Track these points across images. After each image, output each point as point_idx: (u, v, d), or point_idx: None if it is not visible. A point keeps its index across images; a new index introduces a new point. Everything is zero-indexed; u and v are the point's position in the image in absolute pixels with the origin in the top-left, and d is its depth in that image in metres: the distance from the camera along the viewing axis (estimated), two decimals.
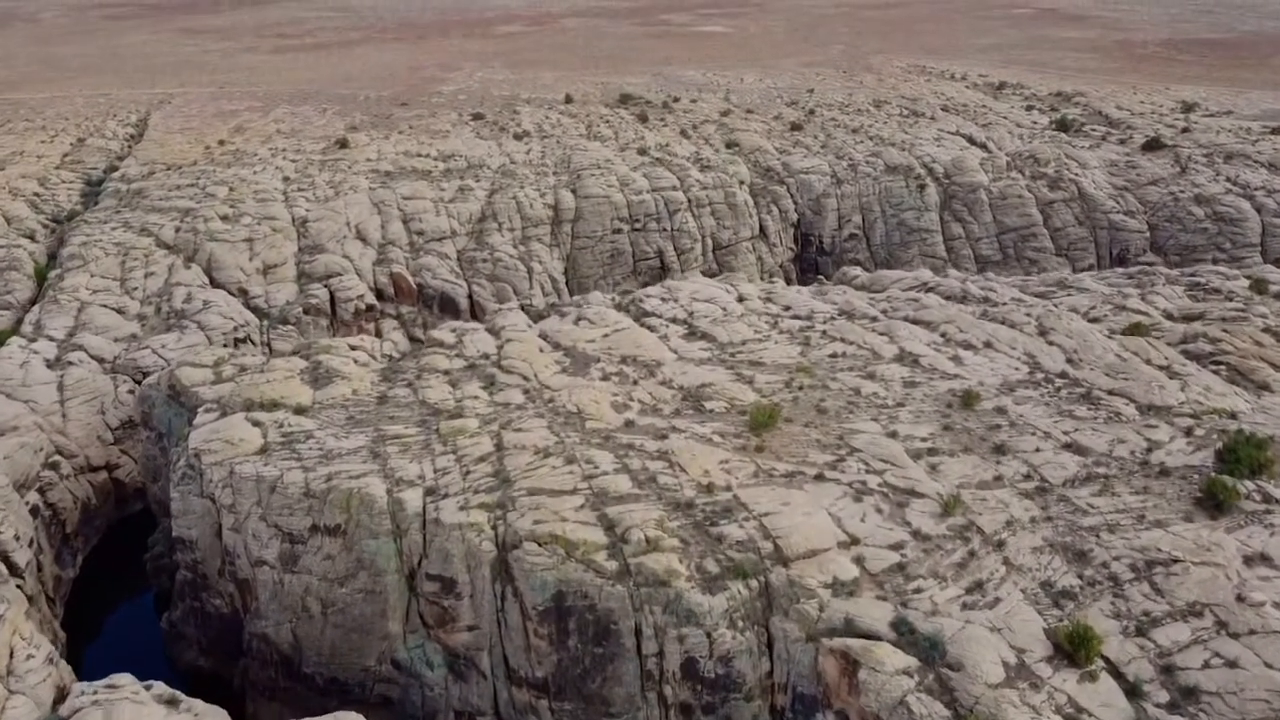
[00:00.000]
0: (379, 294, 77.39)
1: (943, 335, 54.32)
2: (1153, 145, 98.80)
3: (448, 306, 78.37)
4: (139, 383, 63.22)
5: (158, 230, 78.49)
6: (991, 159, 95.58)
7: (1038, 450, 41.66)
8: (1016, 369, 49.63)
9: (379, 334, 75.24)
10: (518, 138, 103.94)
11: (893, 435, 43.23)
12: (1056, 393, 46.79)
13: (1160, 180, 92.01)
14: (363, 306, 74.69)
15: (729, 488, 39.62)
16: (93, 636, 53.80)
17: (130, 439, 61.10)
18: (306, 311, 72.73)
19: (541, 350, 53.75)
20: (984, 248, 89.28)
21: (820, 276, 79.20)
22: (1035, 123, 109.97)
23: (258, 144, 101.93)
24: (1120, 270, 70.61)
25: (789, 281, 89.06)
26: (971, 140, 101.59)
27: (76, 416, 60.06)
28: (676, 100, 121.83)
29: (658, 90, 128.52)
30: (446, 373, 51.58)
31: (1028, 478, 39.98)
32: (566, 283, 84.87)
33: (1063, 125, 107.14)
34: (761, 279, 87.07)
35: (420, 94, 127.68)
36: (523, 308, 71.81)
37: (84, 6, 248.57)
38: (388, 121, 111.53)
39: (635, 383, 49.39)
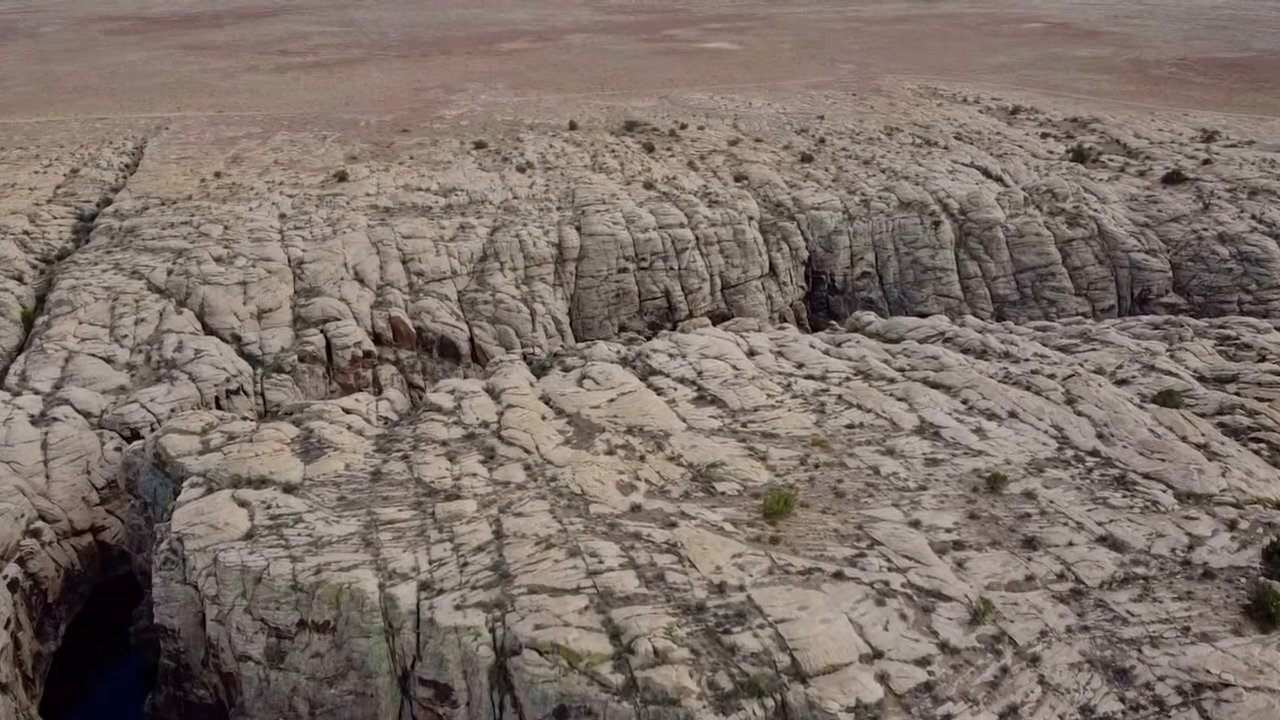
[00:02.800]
0: (377, 338, 75.02)
1: (964, 403, 51.82)
2: (1173, 178, 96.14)
3: (448, 351, 76.07)
4: (126, 439, 61.16)
5: (149, 273, 76.16)
6: (1008, 194, 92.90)
7: (1070, 545, 39.13)
8: (1044, 444, 47.10)
9: (376, 381, 73.01)
10: (521, 169, 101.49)
11: (915, 525, 40.75)
12: (1088, 474, 44.27)
13: (1182, 217, 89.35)
14: (360, 354, 72.29)
15: (742, 587, 37.17)
16: (74, 714, 51.65)
17: (117, 499, 58.80)
18: (302, 359, 70.38)
19: (544, 418, 51.38)
20: (1001, 287, 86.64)
21: (832, 321, 76.54)
22: (1051, 152, 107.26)
23: (254, 176, 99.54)
24: (1146, 319, 67.97)
25: (799, 322, 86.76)
26: (987, 173, 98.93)
27: (60, 477, 57.76)
28: (684, 127, 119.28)
29: (664, 115, 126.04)
30: (444, 443, 49.24)
31: (1061, 577, 37.44)
32: (571, 323, 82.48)
33: (1080, 155, 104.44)
34: (771, 319, 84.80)
35: (422, 119, 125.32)
36: (525, 357, 69.68)
37: (85, 21, 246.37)
38: (388, 151, 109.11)
39: (642, 458, 46.97)
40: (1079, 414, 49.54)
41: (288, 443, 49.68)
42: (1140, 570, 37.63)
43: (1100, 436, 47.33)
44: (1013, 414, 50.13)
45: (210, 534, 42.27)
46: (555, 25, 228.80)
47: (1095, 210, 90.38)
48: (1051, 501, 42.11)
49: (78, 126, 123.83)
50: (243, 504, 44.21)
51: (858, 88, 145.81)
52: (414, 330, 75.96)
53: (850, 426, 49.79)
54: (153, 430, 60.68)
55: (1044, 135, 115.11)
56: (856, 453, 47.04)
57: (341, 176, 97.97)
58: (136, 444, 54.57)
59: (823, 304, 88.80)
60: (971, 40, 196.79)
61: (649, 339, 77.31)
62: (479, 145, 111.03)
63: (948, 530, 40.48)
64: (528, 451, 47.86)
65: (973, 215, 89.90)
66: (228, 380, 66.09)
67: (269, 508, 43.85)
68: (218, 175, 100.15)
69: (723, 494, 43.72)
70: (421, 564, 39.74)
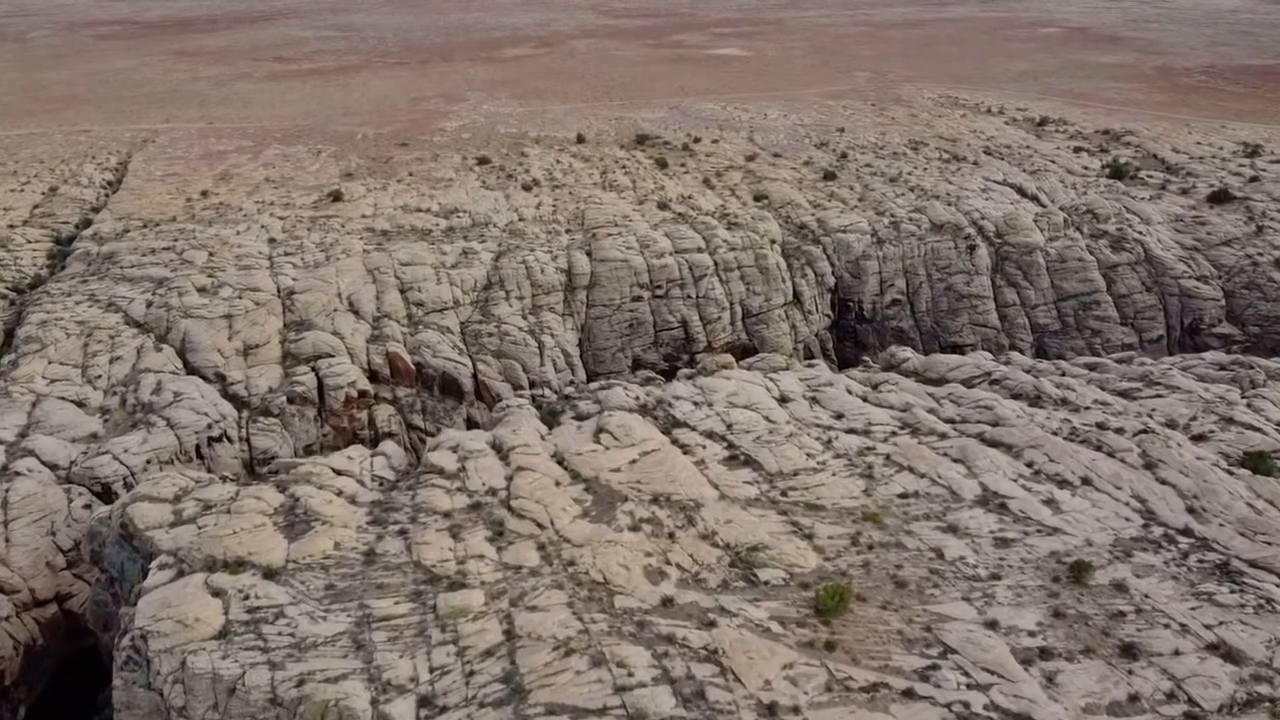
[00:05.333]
0: (373, 375, 69.37)
1: (1030, 465, 46.27)
2: (1220, 197, 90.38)
3: (450, 388, 70.43)
4: (97, 494, 55.72)
5: (127, 305, 70.49)
6: (1046, 215, 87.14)
7: (1177, 653, 33.61)
8: (1128, 520, 41.58)
9: (372, 423, 67.47)
10: (526, 188, 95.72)
11: (992, 626, 35.21)
12: (1184, 559, 38.74)
13: (1234, 240, 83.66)
14: (354, 394, 66.67)
15: (797, 708, 31.73)
16: None
17: (85, 561, 53.18)
18: (291, 400, 64.80)
19: (558, 483, 45.84)
20: (1041, 315, 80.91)
21: (865, 358, 70.86)
22: (1087, 168, 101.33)
23: (243, 195, 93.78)
24: (1209, 358, 62.32)
25: (825, 353, 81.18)
26: (1022, 192, 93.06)
27: (22, 541, 52.20)
28: (697, 141, 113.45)
29: (676, 128, 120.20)
30: (447, 514, 43.71)
31: (1171, 697, 31.93)
32: (581, 355, 76.81)
33: (1117, 172, 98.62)
34: (796, 350, 79.29)
35: (422, 131, 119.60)
36: (534, 399, 64.28)
37: (75, 25, 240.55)
38: (386, 167, 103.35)
39: (671, 535, 41.45)
40: (1162, 482, 44.04)
41: (270, 514, 44.14)
42: (1264, 690, 32.15)
43: (1191, 511, 41.82)
44: (1086, 481, 44.59)
45: (178, 632, 36.78)
46: (559, 30, 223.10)
47: (1140, 233, 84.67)
48: (1147, 596, 36.59)
49: (60, 139, 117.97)
50: (217, 593, 38.74)
51: (876, 97, 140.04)
52: (413, 366, 70.34)
53: (904, 496, 44.25)
54: (126, 486, 55.31)
55: (1076, 149, 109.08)
56: (915, 530, 41.50)
57: (336, 196, 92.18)
58: (103, 511, 48.94)
59: (850, 333, 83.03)
60: (988, 46, 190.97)
61: (666, 373, 71.95)
62: (482, 161, 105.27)
63: (1030, 633, 34.98)
64: (541, 526, 42.36)
65: (1010, 238, 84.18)
66: (210, 426, 60.51)
67: (246, 598, 38.39)
68: (204, 194, 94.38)
69: (766, 584, 38.20)
70: (421, 672, 34.37)
